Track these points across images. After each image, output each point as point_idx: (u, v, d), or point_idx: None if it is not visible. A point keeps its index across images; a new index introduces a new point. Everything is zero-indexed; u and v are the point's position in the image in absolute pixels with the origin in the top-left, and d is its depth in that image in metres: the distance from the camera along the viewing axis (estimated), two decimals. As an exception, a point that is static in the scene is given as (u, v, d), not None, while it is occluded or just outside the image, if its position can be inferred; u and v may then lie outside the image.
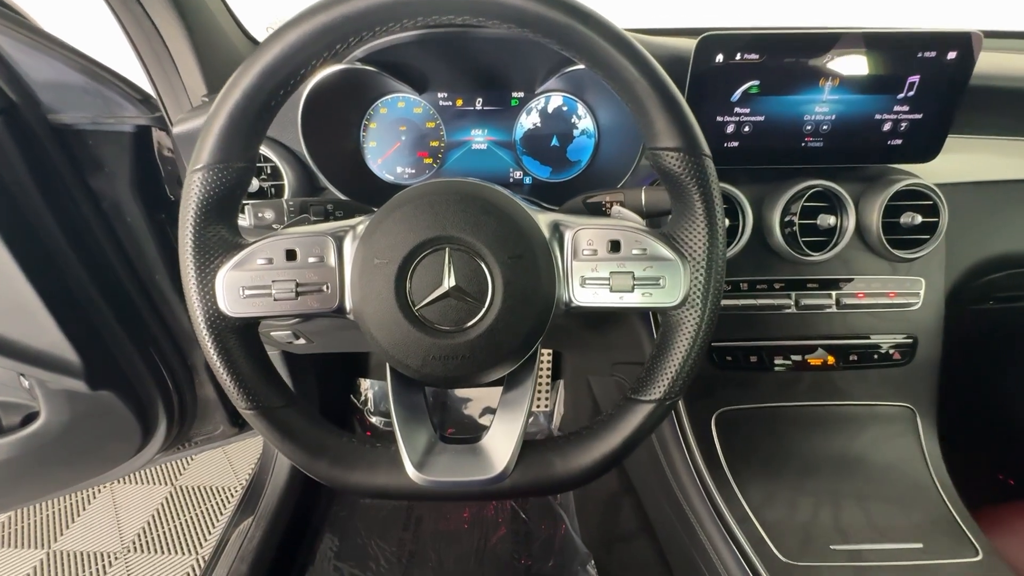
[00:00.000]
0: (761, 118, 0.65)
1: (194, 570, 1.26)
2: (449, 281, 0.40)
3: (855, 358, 0.71)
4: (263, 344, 0.45)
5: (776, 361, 0.71)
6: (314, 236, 0.43)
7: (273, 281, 0.42)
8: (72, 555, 1.30)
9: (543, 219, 0.43)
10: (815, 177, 0.68)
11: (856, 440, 0.71)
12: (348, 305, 0.43)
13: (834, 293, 0.71)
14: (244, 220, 0.54)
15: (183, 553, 1.31)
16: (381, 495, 0.44)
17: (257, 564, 1.03)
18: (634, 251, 0.42)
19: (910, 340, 0.72)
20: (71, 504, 1.42)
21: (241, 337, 0.43)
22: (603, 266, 0.42)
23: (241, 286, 0.41)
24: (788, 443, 0.71)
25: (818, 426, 0.72)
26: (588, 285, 0.43)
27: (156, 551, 1.31)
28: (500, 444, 0.44)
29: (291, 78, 0.39)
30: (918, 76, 0.63)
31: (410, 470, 0.42)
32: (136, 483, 1.47)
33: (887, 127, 0.66)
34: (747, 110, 0.64)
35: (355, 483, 0.44)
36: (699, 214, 0.41)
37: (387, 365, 0.44)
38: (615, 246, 0.43)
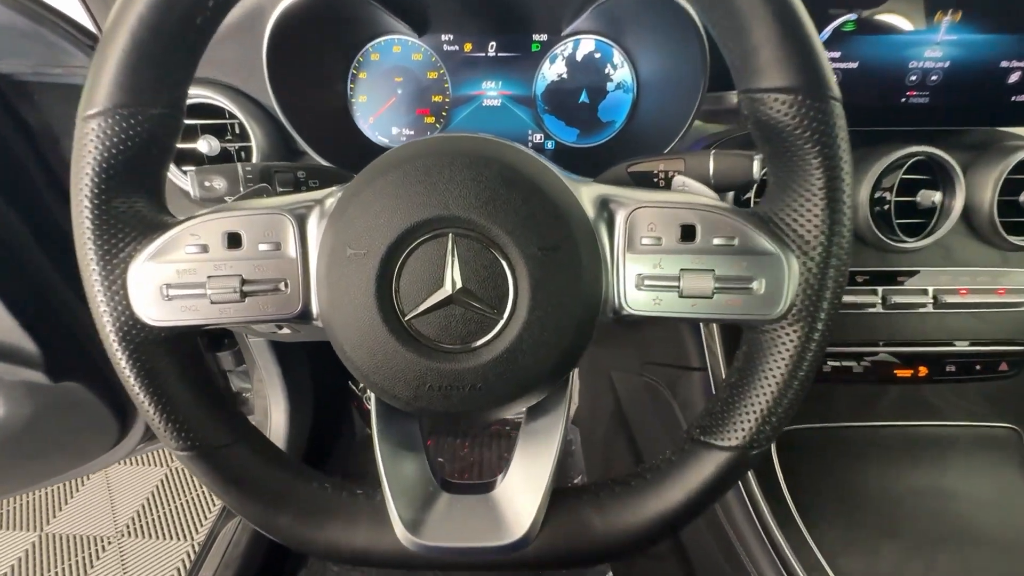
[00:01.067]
0: (854, 65, 0.53)
1: (188, 556, 1.24)
2: (453, 281, 0.29)
3: (953, 369, 0.60)
4: (202, 359, 0.34)
5: (855, 371, 0.60)
6: (266, 213, 0.31)
7: (209, 277, 0.31)
8: (65, 538, 1.29)
9: (587, 193, 0.32)
10: (914, 142, 0.56)
11: (951, 469, 0.61)
12: (315, 309, 0.32)
13: (931, 289, 0.59)
14: (191, 190, 0.43)
15: (178, 539, 1.29)
16: (361, 562, 0.34)
17: (244, 571, 0.96)
18: (716, 240, 0.30)
19: (1021, 348, 0.61)
20: (64, 485, 1.40)
21: (169, 353, 0.32)
22: (670, 261, 0.31)
23: (164, 283, 0.31)
24: (868, 472, 0.61)
25: (905, 451, 0.62)
26: (647, 287, 0.31)
27: (150, 536, 1.29)
28: (521, 496, 0.33)
29: None
30: (1067, 8, 0.50)
31: (400, 531, 0.32)
32: (130, 464, 1.47)
33: (1014, 78, 0.54)
34: (837, 54, 0.53)
35: (326, 546, 0.33)
36: (816, 187, 0.29)
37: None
38: (688, 232, 0.31)
